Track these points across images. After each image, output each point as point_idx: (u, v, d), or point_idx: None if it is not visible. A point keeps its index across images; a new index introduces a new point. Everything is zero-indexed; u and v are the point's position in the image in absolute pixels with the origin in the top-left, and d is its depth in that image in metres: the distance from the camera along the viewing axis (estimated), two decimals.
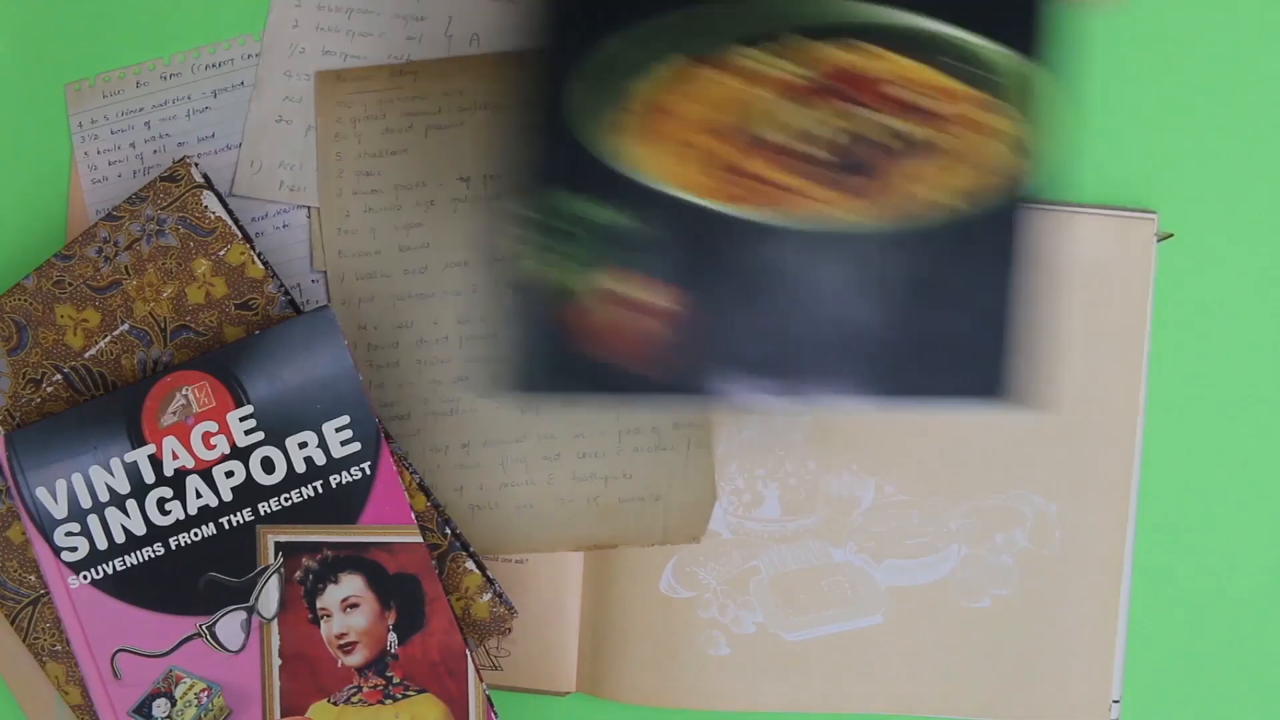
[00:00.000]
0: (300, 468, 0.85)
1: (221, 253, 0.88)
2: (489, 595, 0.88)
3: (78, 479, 0.86)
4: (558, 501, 0.91)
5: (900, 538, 0.91)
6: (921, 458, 0.91)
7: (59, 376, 0.88)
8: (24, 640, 0.88)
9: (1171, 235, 0.92)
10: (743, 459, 0.91)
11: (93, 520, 0.86)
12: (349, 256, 0.91)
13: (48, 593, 0.87)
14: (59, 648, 0.87)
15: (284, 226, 0.92)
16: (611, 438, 0.91)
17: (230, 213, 0.88)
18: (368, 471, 0.85)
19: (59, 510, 0.86)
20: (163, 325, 0.88)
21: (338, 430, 0.85)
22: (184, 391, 0.85)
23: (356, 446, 0.85)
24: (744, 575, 0.91)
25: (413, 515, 0.85)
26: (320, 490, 0.85)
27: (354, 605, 0.85)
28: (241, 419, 0.85)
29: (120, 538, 0.86)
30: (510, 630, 0.89)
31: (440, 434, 0.91)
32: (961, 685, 0.91)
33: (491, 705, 0.85)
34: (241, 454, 0.85)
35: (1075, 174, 0.93)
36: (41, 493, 0.85)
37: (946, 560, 0.91)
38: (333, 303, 0.91)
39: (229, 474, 0.85)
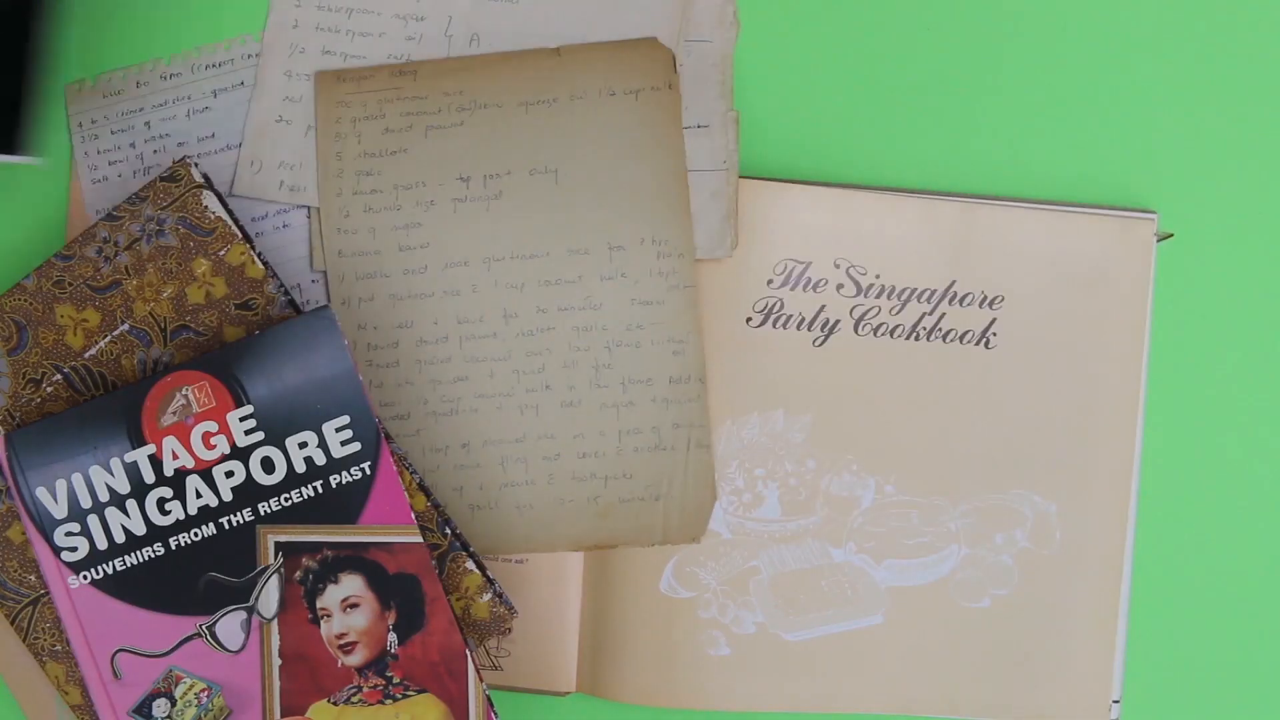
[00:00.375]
0: (300, 468, 0.85)
1: (221, 253, 0.88)
2: (489, 595, 0.88)
3: (78, 479, 0.86)
4: (558, 501, 0.91)
5: (900, 538, 0.91)
6: (921, 458, 0.91)
7: (59, 376, 0.88)
8: (24, 640, 0.88)
9: (1171, 235, 0.92)
10: (743, 459, 0.91)
11: (93, 520, 0.86)
12: (349, 256, 0.91)
13: (48, 593, 0.87)
14: (59, 648, 0.87)
15: (284, 226, 0.92)
16: (611, 438, 0.91)
17: (230, 213, 0.88)
18: (368, 471, 0.85)
19: (59, 510, 0.86)
20: (163, 325, 0.88)
21: (338, 430, 0.85)
22: (184, 391, 0.85)
23: (356, 446, 0.85)
24: (744, 575, 0.91)
25: (413, 515, 0.85)
26: (320, 490, 0.86)
27: (354, 605, 0.85)
28: (241, 419, 0.85)
29: (120, 538, 0.86)
30: (510, 630, 0.89)
31: (440, 434, 0.91)
32: (961, 685, 0.91)
33: (491, 705, 0.85)
34: (241, 454, 0.85)
35: (1075, 174, 0.93)
36: (41, 493, 0.86)
37: (946, 560, 0.91)
38: (333, 303, 0.91)
39: (229, 474, 0.85)
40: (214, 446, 0.85)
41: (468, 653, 0.85)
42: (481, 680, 0.86)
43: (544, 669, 0.91)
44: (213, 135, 0.93)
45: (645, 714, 0.93)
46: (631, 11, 0.91)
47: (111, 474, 0.85)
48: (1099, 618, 0.91)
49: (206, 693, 0.85)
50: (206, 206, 0.88)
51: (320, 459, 0.85)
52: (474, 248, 0.91)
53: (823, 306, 0.91)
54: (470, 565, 0.88)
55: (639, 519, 0.91)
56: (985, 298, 0.91)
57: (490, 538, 0.91)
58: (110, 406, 0.85)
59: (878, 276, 0.91)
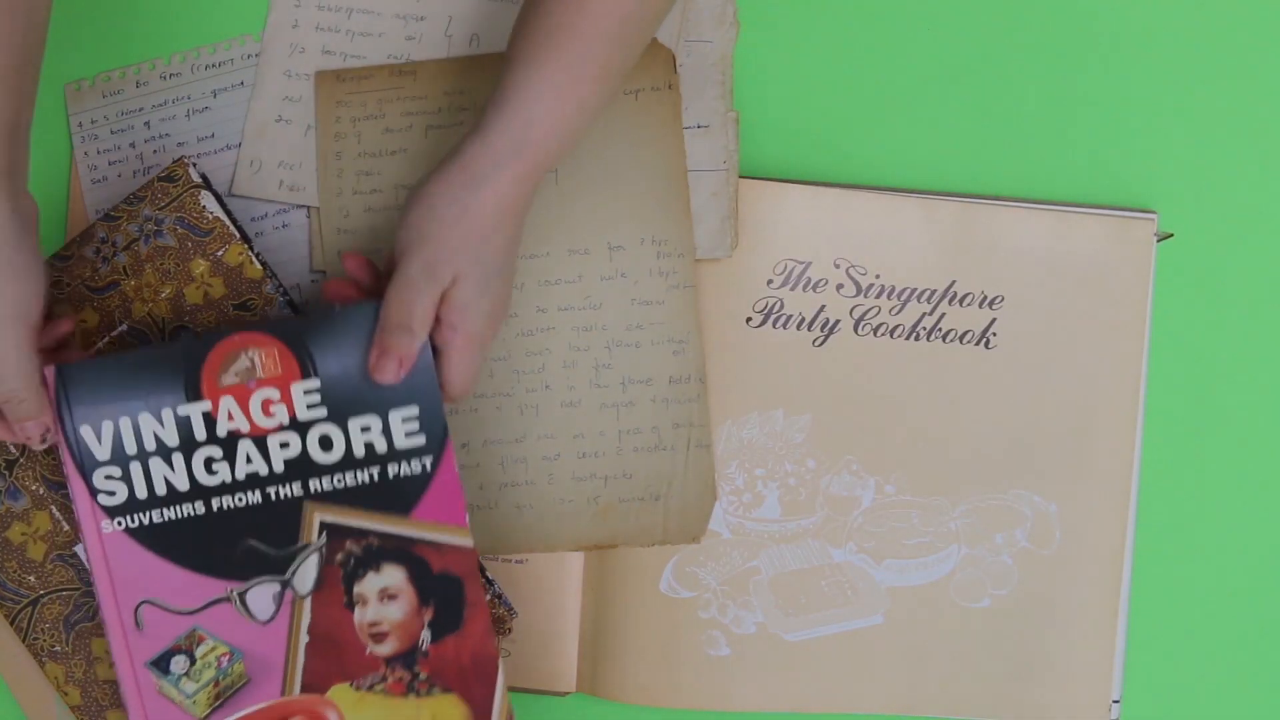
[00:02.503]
0: (359, 451, 0.83)
1: (219, 253, 0.88)
2: (489, 596, 0.88)
3: (125, 424, 0.83)
4: (558, 501, 0.91)
5: (900, 538, 0.91)
6: (921, 458, 0.91)
7: None
8: (24, 640, 0.87)
9: (1171, 235, 0.92)
10: (743, 459, 0.91)
11: (135, 467, 0.83)
12: None
13: (48, 592, 0.87)
14: (59, 648, 0.87)
15: (284, 226, 0.92)
16: (611, 438, 0.91)
17: (228, 213, 0.88)
18: (428, 467, 0.84)
19: (101, 452, 0.83)
20: (161, 326, 0.88)
21: (404, 420, 0.83)
22: (250, 354, 0.83)
23: (421, 440, 0.83)
24: (744, 575, 0.91)
25: (467, 518, 0.84)
26: (376, 477, 0.84)
27: (392, 597, 0.84)
28: (306, 391, 0.83)
29: (161, 490, 0.83)
30: (510, 630, 0.89)
31: None
32: (961, 685, 0.91)
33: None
34: (300, 427, 0.83)
35: (1075, 174, 0.93)
36: (86, 430, 0.83)
37: (946, 560, 0.91)
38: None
39: (284, 445, 0.83)
40: (272, 415, 0.83)
41: (500, 663, 0.85)
42: (508, 691, 0.85)
43: (544, 669, 0.91)
44: (212, 135, 0.92)
45: (645, 714, 0.93)
46: None
47: (161, 424, 0.83)
48: (1099, 618, 0.91)
49: (228, 657, 0.84)
50: (204, 207, 0.88)
51: (381, 446, 0.83)
52: None
53: (823, 306, 0.91)
54: None
55: (639, 519, 0.91)
56: (985, 298, 0.91)
57: (490, 538, 0.91)
58: (171, 356, 0.83)
59: (878, 276, 0.91)
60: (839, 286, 0.91)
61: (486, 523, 0.91)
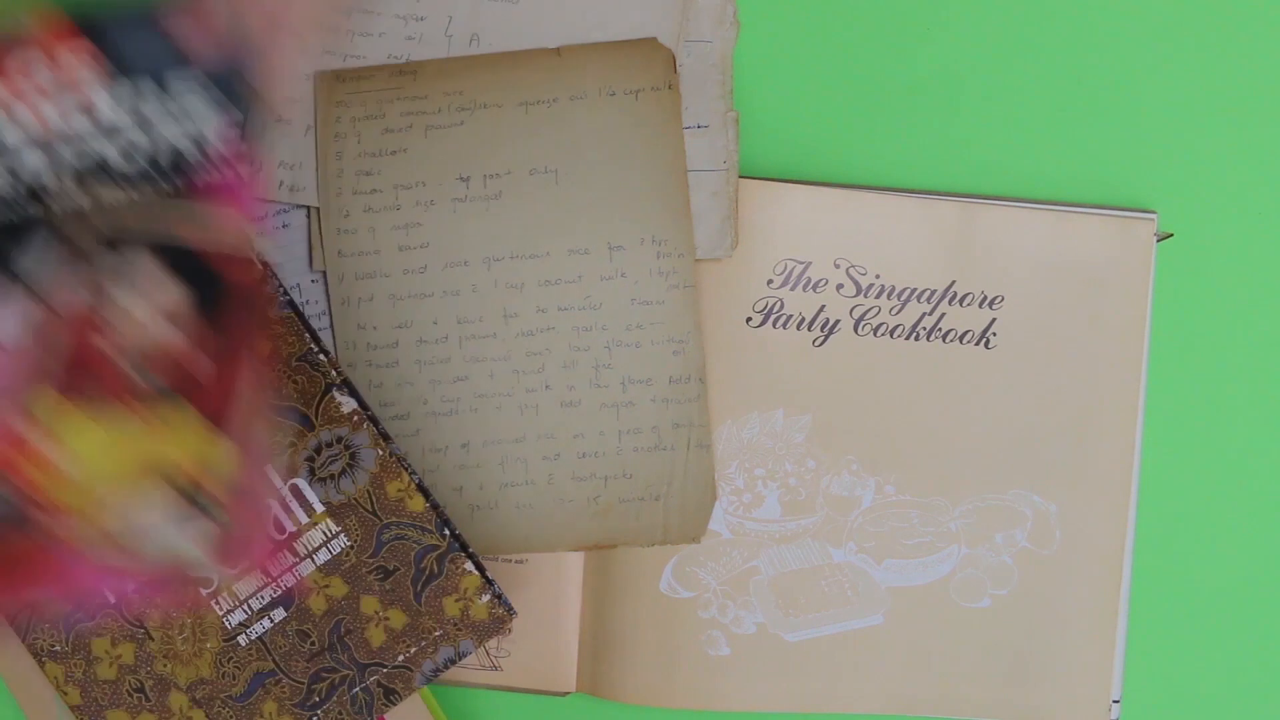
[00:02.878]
0: (140, 140, 0.69)
1: None
2: (488, 596, 0.88)
3: None
4: (558, 501, 0.91)
5: (900, 538, 0.91)
6: (921, 458, 0.91)
7: None
8: (24, 640, 0.87)
9: (1171, 235, 0.92)
10: (743, 459, 0.91)
11: None
12: (348, 256, 0.91)
13: None
14: (58, 648, 0.87)
15: (284, 226, 0.92)
16: (611, 438, 0.91)
17: None
18: (221, 156, 0.70)
19: None
20: None
21: (200, 101, 0.69)
22: (20, 20, 0.67)
23: (219, 127, 0.69)
24: (744, 575, 0.91)
25: (266, 224, 0.70)
26: (158, 161, 0.69)
27: (160, 312, 0.69)
28: (83, 61, 0.68)
29: None
30: (510, 631, 0.89)
31: (440, 434, 0.91)
32: (961, 685, 0.91)
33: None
34: (76, 101, 0.68)
35: (1075, 174, 0.93)
36: None
37: (946, 560, 0.91)
38: (333, 303, 0.91)
39: (52, 123, 0.68)
40: (41, 86, 0.67)
41: (258, 392, 0.69)
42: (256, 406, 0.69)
43: (544, 669, 0.91)
44: None
45: (645, 714, 0.93)
46: (631, 11, 0.91)
47: None
48: (1099, 618, 0.91)
49: None
50: None
51: (172, 129, 0.69)
52: (474, 248, 0.91)
53: (823, 306, 0.91)
54: (469, 566, 0.87)
55: (639, 519, 0.91)
56: (985, 298, 0.91)
57: (490, 538, 0.91)
58: None
59: (878, 276, 0.91)
60: (839, 286, 0.91)
61: (486, 523, 0.91)
